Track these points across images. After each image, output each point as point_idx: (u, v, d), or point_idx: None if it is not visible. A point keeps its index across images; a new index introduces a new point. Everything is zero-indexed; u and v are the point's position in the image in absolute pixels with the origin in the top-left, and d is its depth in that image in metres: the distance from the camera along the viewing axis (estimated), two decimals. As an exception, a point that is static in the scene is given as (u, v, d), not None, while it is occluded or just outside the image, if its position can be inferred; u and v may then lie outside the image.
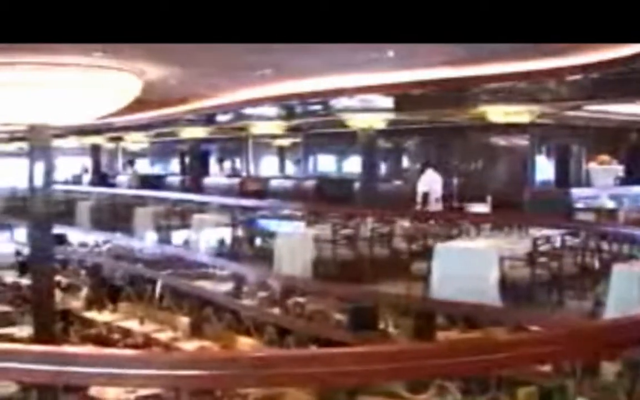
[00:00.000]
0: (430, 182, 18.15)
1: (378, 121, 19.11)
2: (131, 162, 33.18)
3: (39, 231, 12.49)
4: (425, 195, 17.69)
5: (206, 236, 17.31)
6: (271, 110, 21.39)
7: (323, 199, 19.46)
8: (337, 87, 13.84)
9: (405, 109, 18.54)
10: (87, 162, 35.30)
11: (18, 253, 31.86)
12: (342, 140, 25.79)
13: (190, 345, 17.84)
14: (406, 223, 14.25)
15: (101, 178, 28.36)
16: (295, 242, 14.00)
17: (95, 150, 33.17)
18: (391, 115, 19.06)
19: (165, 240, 19.40)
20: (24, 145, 34.79)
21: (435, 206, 17.56)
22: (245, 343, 17.40)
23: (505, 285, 10.01)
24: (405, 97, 16.82)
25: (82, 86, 9.89)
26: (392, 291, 12.24)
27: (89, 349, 4.23)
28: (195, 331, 19.28)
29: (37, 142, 11.77)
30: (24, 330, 18.00)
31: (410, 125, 22.69)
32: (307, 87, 14.15)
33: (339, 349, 3.78)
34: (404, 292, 11.78)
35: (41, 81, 9.58)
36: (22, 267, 28.62)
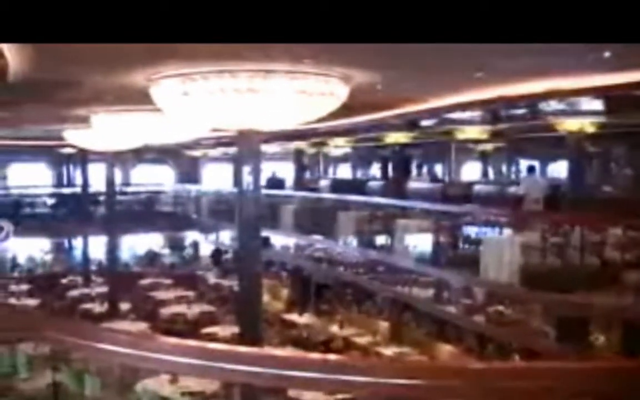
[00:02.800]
0: (530, 185, 18.86)
1: (588, 124, 18.46)
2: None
3: (246, 233, 12.73)
4: (523, 197, 18.46)
5: (409, 241, 17.19)
6: (475, 115, 21.02)
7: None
8: (548, 89, 13.39)
9: (616, 111, 17.76)
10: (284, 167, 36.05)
11: (221, 254, 32.95)
12: (547, 144, 25.12)
13: (389, 351, 17.80)
14: (618, 231, 13.61)
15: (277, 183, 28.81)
16: (501, 248, 13.65)
17: (298, 155, 33.78)
18: (602, 118, 18.35)
19: (367, 244, 19.43)
20: (228, 150, 36.07)
21: (535, 207, 17.87)
22: (444, 350, 17.20)
23: None
24: (616, 99, 16.10)
25: (292, 93, 10.01)
26: (602, 302, 11.71)
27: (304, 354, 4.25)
28: (395, 336, 19.23)
29: (245, 147, 12.01)
30: (227, 330, 18.49)
31: (618, 129, 21.74)
32: (515, 90, 13.78)
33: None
34: (614, 303, 11.25)
35: (254, 88, 9.78)
36: (224, 268, 29.61)
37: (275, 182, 28.53)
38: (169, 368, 5.35)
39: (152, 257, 35.02)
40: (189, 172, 41.48)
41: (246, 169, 12.15)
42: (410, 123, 22.34)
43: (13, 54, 9.35)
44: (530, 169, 20.38)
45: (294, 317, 22.05)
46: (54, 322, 6.08)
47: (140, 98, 12.32)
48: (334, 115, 11.92)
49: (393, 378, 3.41)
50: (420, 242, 16.94)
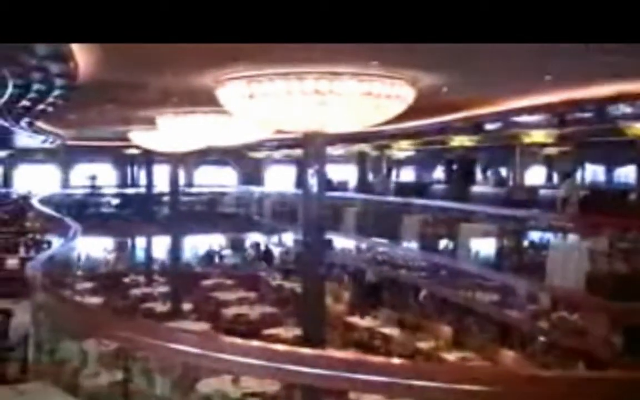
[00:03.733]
0: (568, 189, 19.05)
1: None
2: (389, 170, 33.48)
3: (309, 235, 12.71)
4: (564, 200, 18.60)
5: (473, 245, 17.03)
6: (540, 118, 20.75)
7: (593, 209, 18.63)
8: (618, 92, 13.17)
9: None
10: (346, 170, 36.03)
11: (271, 254, 33.04)
12: (614, 149, 24.71)
13: (452, 356, 17.62)
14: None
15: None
16: (568, 254, 13.42)
17: (361, 157, 33.69)
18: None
19: (430, 248, 19.29)
20: (291, 152, 36.18)
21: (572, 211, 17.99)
22: (507, 356, 16.96)
23: None
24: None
25: (358, 95, 9.99)
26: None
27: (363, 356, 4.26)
28: (458, 341, 19.04)
29: (311, 149, 11.99)
30: (290, 332, 18.49)
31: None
32: (584, 94, 13.58)
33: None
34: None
35: (320, 90, 9.77)
36: (287, 270, 29.66)
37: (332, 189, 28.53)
38: (236, 369, 5.36)
39: (211, 257, 35.24)
40: (252, 174, 41.67)
41: (310, 171, 12.12)
42: (476, 126, 22.13)
43: (83, 56, 9.46)
44: (567, 174, 20.93)
45: (355, 320, 21.96)
46: (126, 321, 6.14)
47: (206, 100, 12.40)
48: (398, 118, 11.85)
49: (456, 383, 3.38)
50: (484, 247, 16.76)
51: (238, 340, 4.50)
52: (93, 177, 36.66)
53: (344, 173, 34.96)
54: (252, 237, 36.91)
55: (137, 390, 5.89)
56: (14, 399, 5.07)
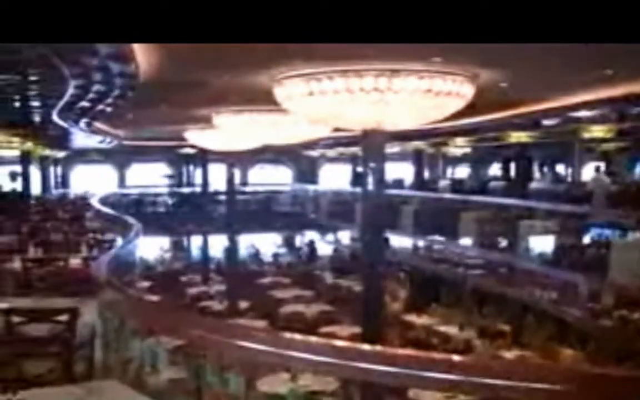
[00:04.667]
0: (597, 184, 19.71)
1: None
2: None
3: (367, 233, 12.67)
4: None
5: (532, 242, 16.86)
6: (600, 113, 20.44)
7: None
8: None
9: None
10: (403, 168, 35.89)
11: (314, 248, 33.03)
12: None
13: (510, 354, 17.47)
14: None
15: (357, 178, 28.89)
16: (631, 251, 13.22)
17: (417, 154, 33.54)
18: None
19: (488, 245, 19.15)
20: (347, 150, 36.18)
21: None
22: (567, 355, 16.78)
23: None
24: None
25: (418, 92, 9.93)
26: None
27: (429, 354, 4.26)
28: (516, 339, 18.88)
29: (369, 147, 11.95)
30: (346, 330, 18.46)
31: None
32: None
33: None
34: None
35: (379, 88, 9.74)
36: (341, 269, 29.66)
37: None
38: (297, 365, 5.36)
39: (257, 255, 35.38)
40: (307, 172, 41.75)
41: (368, 169, 12.09)
42: (534, 122, 21.87)
43: (143, 56, 9.54)
44: (597, 169, 21.64)
45: (412, 318, 21.88)
46: (189, 318, 6.18)
47: (264, 98, 12.43)
48: (456, 114, 11.76)
49: (514, 381, 3.36)
50: (543, 244, 16.59)
51: (298, 337, 4.51)
52: (171, 176, 37.00)
53: (400, 171, 34.87)
54: (308, 236, 37.00)
55: (197, 388, 5.91)
56: (84, 397, 5.11)
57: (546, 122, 22.28)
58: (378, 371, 3.94)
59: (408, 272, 26.40)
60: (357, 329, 15.30)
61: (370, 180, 12.11)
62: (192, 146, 26.93)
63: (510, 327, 19.43)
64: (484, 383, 3.53)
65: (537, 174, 27.83)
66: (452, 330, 20.07)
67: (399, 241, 26.62)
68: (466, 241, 20.35)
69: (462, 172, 38.56)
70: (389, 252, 24.78)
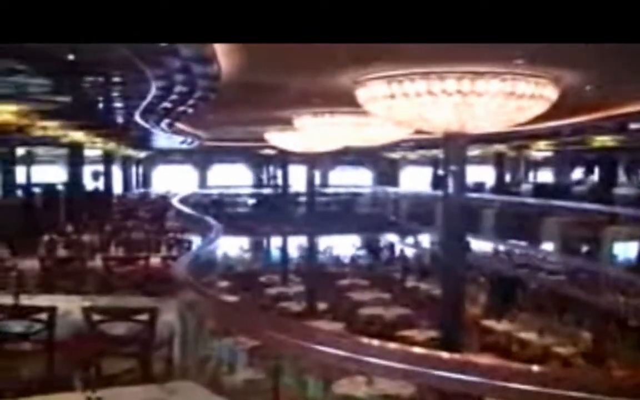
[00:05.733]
0: None
1: None
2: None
3: (448, 237, 12.55)
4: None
5: (617, 249, 16.51)
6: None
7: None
8: None
9: None
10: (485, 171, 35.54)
11: (380, 248, 32.86)
12: None
13: (591, 364, 17.13)
14: None
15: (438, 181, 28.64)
16: None
17: (498, 158, 33.19)
18: None
19: (571, 251, 18.82)
20: (427, 152, 35.99)
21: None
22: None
23: None
24: None
25: (501, 95, 9.80)
26: None
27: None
28: (598, 349, 18.49)
29: (451, 150, 11.83)
30: (424, 334, 18.32)
31: None
32: None
33: None
34: None
35: (462, 90, 9.64)
36: (423, 272, 29.46)
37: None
38: (373, 370, 5.33)
39: (336, 256, 35.38)
40: (387, 174, 41.66)
41: (450, 172, 11.96)
42: (619, 126, 21.42)
43: (225, 57, 9.59)
44: None
45: (491, 323, 21.59)
46: (268, 319, 6.17)
47: (345, 100, 12.40)
48: (539, 117, 11.57)
49: (594, 394, 3.27)
50: (629, 250, 16.23)
51: (375, 342, 4.46)
52: (274, 177, 37.34)
53: (481, 174, 34.58)
54: (387, 238, 36.90)
55: (273, 389, 5.90)
56: (162, 397, 5.13)
57: (633, 125, 21.81)
58: (455, 379, 3.88)
59: (488, 276, 26.11)
60: (435, 333, 15.17)
61: (451, 183, 11.98)
62: (273, 147, 27.06)
63: (592, 335, 19.06)
64: (564, 395, 3.44)
65: (622, 179, 27.29)
66: (531, 336, 19.77)
67: (479, 245, 26.37)
68: (548, 246, 20.02)
69: (544, 176, 38.06)
70: (469, 255, 24.57)
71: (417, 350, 4.32)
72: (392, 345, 4.47)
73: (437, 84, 9.69)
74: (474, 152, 32.64)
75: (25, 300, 9.07)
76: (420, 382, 5.07)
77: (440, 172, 34.70)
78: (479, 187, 30.79)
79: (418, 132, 15.98)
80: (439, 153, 30.69)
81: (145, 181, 45.08)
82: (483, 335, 20.98)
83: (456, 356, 4.15)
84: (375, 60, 9.71)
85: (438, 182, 35.23)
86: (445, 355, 4.19)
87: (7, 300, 8.90)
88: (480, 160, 35.42)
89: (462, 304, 13.04)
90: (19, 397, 5.02)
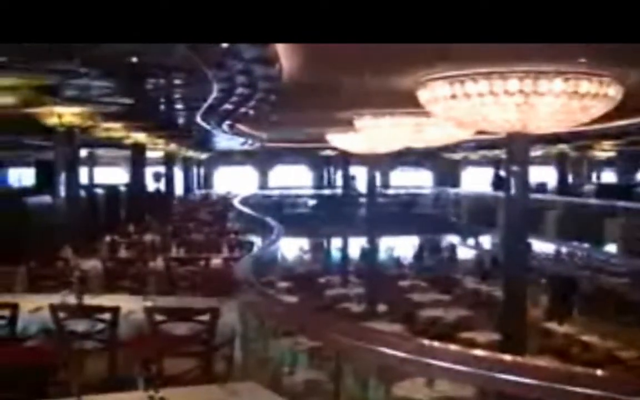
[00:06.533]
0: None
1: None
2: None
3: (511, 239, 12.44)
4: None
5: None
6: None
7: None
8: None
9: None
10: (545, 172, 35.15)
11: (423, 251, 32.64)
12: None
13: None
14: None
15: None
16: None
17: (561, 158, 32.80)
18: None
19: (635, 253, 18.53)
20: (488, 153, 35.70)
21: None
22: None
23: None
24: None
25: (564, 95, 9.68)
26: None
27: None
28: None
29: (514, 150, 11.72)
30: (485, 336, 18.17)
31: None
32: None
33: None
34: None
35: (524, 90, 9.55)
36: (485, 274, 29.24)
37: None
38: (434, 372, 5.30)
39: (396, 258, 35.26)
40: (448, 175, 41.44)
41: (512, 172, 11.85)
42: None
43: (286, 58, 9.62)
44: None
45: (552, 326, 21.34)
46: (327, 320, 6.17)
47: (406, 101, 12.35)
48: (602, 117, 11.39)
49: None
50: None
51: (436, 343, 4.44)
52: (353, 177, 37.43)
53: (543, 174, 34.20)
54: (448, 239, 36.73)
55: (334, 391, 5.90)
56: (223, 398, 5.15)
57: None
58: (516, 382, 3.84)
59: (550, 278, 25.82)
60: (496, 336, 15.04)
61: (513, 183, 11.87)
62: (333, 148, 27.09)
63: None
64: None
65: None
66: (593, 339, 19.50)
67: (541, 246, 26.11)
68: (611, 248, 19.73)
69: (608, 176, 37.54)
70: (530, 257, 24.32)
71: (477, 352, 4.28)
72: (453, 347, 4.45)
73: (500, 84, 9.61)
74: (536, 152, 32.32)
75: (89, 300, 9.19)
76: (481, 385, 5.03)
77: (501, 172, 34.53)
78: (541, 188, 30.44)
79: (479, 132, 15.89)
80: (500, 153, 30.48)
81: (206, 182, 45.45)
82: (544, 338, 20.75)
83: (517, 359, 4.11)
84: (438, 61, 9.67)
85: (498, 183, 34.94)
86: (506, 357, 4.15)
87: (71, 299, 9.02)
88: (543, 161, 35.04)
89: (524, 306, 12.90)
90: (82, 396, 5.07)
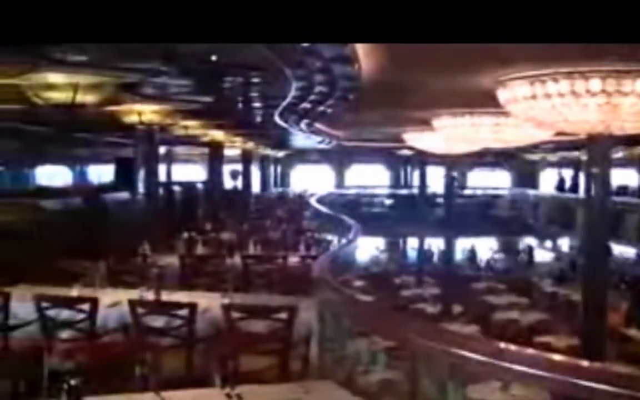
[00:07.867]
0: None
1: None
2: None
3: (590, 242, 12.24)
4: None
5: None
6: None
7: None
8: None
9: None
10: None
11: (475, 255, 32.20)
12: None
13: None
14: None
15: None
16: None
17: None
18: None
19: None
20: (567, 154, 35.15)
21: None
22: None
23: None
24: None
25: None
26: None
27: None
28: None
29: (595, 152, 11.52)
30: (562, 341, 17.91)
31: None
32: None
33: None
34: None
35: (607, 90, 9.36)
36: (562, 277, 28.80)
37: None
38: (510, 376, 5.25)
39: (472, 259, 34.91)
40: (526, 176, 40.94)
41: (593, 175, 11.64)
42: None
43: (365, 57, 9.61)
44: None
45: (632, 332, 20.91)
46: (404, 321, 6.16)
47: (485, 101, 12.24)
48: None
49: None
50: None
51: (512, 347, 4.40)
52: (454, 178, 37.38)
53: (625, 177, 33.58)
54: (526, 241, 36.27)
55: (410, 391, 5.88)
56: (300, 396, 5.18)
57: None
58: (593, 389, 3.77)
59: (630, 283, 25.33)
60: (574, 341, 14.80)
61: (593, 186, 11.67)
62: (411, 148, 26.98)
63: None
64: None
65: None
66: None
67: (621, 250, 25.62)
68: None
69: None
70: (610, 261, 23.88)
71: (555, 356, 4.22)
72: (530, 350, 4.40)
73: (581, 83, 9.43)
74: (617, 154, 31.71)
75: (166, 297, 9.32)
76: (558, 390, 4.95)
77: (564, 176, 34.02)
78: (622, 190, 29.87)
79: (559, 133, 15.65)
80: (580, 155, 30.00)
81: (283, 181, 45.69)
82: (623, 344, 20.36)
83: (595, 364, 4.04)
84: (515, 61, 9.55)
85: (562, 186, 34.45)
86: (582, 362, 4.09)
87: (149, 295, 9.16)
88: (624, 163, 34.37)
89: (603, 311, 12.68)
90: (159, 391, 5.15)
